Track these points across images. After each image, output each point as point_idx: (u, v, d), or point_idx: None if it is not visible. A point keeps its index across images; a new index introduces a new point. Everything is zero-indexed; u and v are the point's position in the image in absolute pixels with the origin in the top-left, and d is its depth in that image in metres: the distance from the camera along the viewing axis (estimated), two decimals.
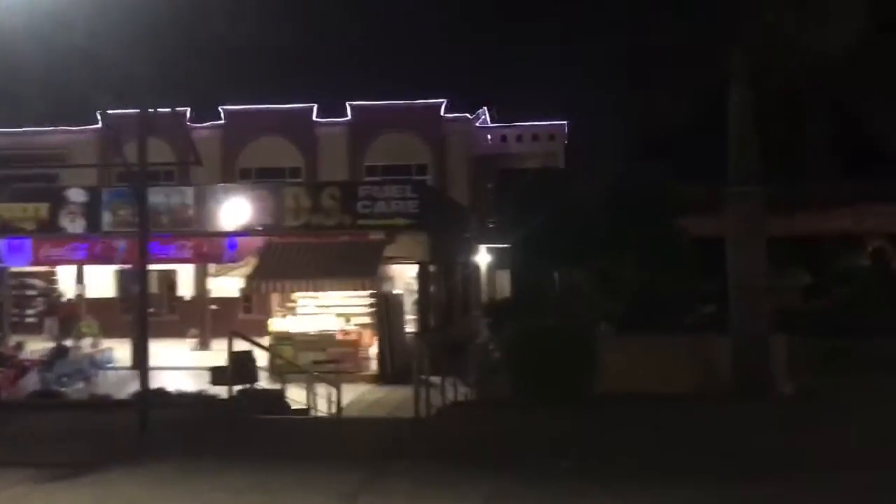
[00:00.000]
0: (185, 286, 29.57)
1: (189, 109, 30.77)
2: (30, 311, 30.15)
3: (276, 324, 20.57)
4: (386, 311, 19.95)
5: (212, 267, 23.60)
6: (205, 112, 31.74)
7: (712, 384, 11.18)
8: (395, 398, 16.49)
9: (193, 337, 25.78)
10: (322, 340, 19.63)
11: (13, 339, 22.18)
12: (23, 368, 17.65)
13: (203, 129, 31.30)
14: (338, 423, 10.32)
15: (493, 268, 34.13)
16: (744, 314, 10.95)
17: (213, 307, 27.00)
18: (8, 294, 26.24)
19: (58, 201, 21.99)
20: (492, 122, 33.85)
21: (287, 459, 7.48)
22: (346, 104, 31.42)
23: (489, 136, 33.47)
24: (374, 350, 19.76)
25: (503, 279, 34.53)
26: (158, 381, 18.67)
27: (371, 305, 20.22)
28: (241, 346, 11.49)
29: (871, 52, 12.11)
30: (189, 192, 21.88)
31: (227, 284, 23.31)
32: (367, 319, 20.23)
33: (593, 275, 20.39)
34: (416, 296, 22.14)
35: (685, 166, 19.00)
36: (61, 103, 29.30)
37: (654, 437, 8.21)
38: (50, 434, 8.92)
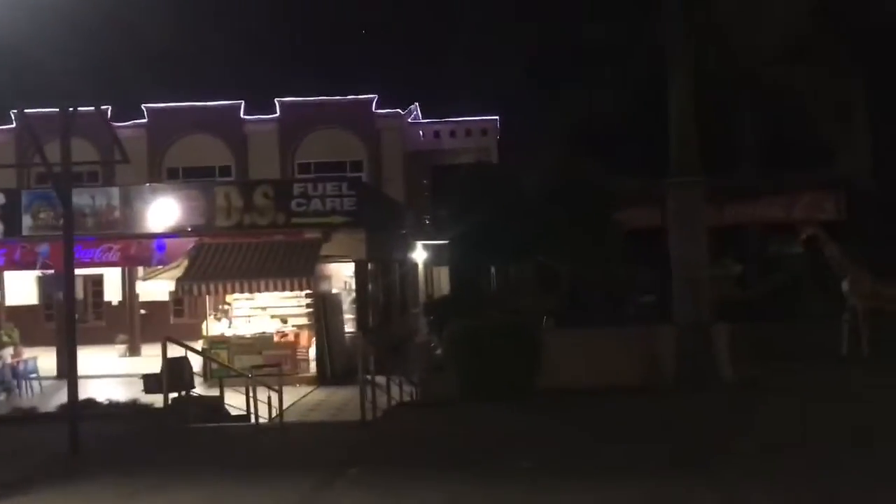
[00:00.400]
0: (113, 291, 28.63)
1: (110, 108, 29.76)
2: None
3: (211, 327, 19.95)
4: (324, 310, 19.53)
5: (140, 270, 22.79)
6: (127, 111, 30.67)
7: (657, 375, 11.21)
8: (336, 400, 16.15)
9: (122, 343, 24.89)
10: (258, 343, 19.11)
11: None
12: None
13: (126, 129, 30.11)
14: (281, 430, 9.94)
15: (430, 265, 33.97)
16: (687, 303, 11.01)
17: (143, 312, 26.16)
18: None
19: None
20: (423, 117, 33.63)
21: (231, 471, 7.13)
22: (275, 101, 30.72)
23: (422, 132, 33.23)
24: (312, 351, 19.33)
25: (441, 276, 34.43)
26: (87, 390, 17.89)
27: (308, 306, 19.77)
28: (175, 351, 11.03)
29: (805, 43, 12.35)
30: (115, 193, 21.03)
31: (157, 288, 22.47)
32: (305, 320, 19.77)
33: (531, 270, 20.45)
34: (353, 295, 21.78)
35: (619, 160, 19.18)
36: None
37: (605, 432, 8.14)
38: None
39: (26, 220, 20.68)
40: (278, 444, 8.63)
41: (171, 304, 27.80)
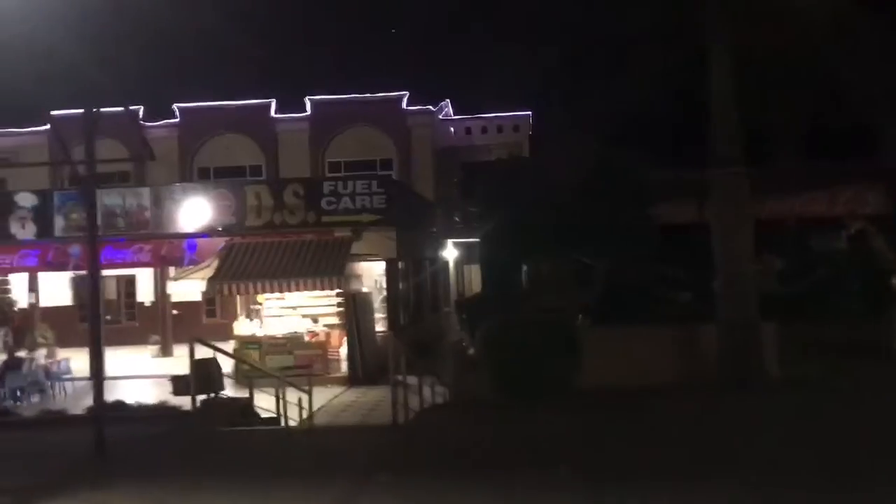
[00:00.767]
0: (145, 291, 28.71)
1: (142, 108, 29.86)
2: None
3: (242, 327, 19.83)
4: (354, 310, 19.31)
5: (172, 270, 22.77)
6: (159, 111, 30.78)
7: (700, 374, 10.77)
8: (367, 401, 15.90)
9: (155, 344, 24.88)
10: (290, 343, 18.95)
11: None
12: None
13: (158, 129, 30.27)
14: (311, 433, 9.67)
15: (461, 263, 33.64)
16: (732, 301, 10.55)
17: (175, 312, 26.16)
18: None
19: (6, 206, 20.99)
20: (453, 114, 33.29)
21: (258, 477, 6.86)
22: (306, 99, 30.59)
23: (452, 129, 32.91)
24: (343, 351, 19.12)
25: (472, 274, 34.07)
26: (118, 391, 17.91)
27: (339, 305, 19.57)
28: (205, 352, 10.84)
29: (850, 28, 11.81)
30: (146, 194, 21.01)
31: (189, 288, 22.46)
32: (336, 319, 19.57)
33: (565, 266, 19.99)
34: (384, 294, 21.54)
35: (653, 153, 18.65)
36: (10, 106, 28.27)
37: (650, 436, 7.73)
38: None
39: (59, 222, 20.74)
40: (307, 449, 8.35)
41: (203, 305, 27.79)
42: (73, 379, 19.16)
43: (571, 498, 5.88)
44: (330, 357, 18.98)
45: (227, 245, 19.69)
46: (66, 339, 22.24)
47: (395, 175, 28.91)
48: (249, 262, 18.99)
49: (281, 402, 11.81)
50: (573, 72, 19.14)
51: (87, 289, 21.36)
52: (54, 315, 25.05)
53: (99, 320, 8.14)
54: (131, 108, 27.75)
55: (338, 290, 18.86)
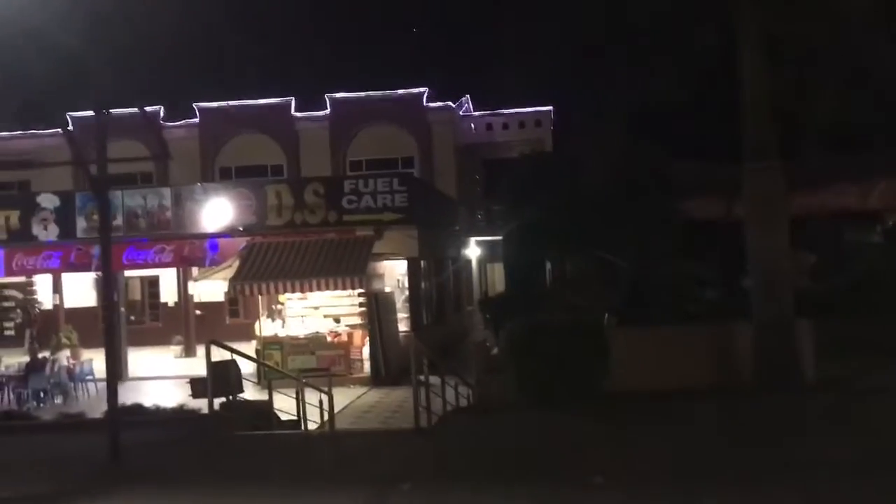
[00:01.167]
0: (169, 292, 28.72)
1: (162, 108, 29.86)
2: (8, 324, 29.09)
3: (264, 328, 19.68)
4: (377, 310, 19.09)
5: (194, 271, 22.69)
6: (180, 111, 30.73)
7: (734, 376, 10.38)
8: (391, 401, 15.66)
9: (178, 344, 24.88)
10: (312, 343, 18.77)
11: None
12: None
13: (178, 129, 30.22)
14: (332, 438, 9.42)
15: (483, 261, 33.34)
16: (767, 299, 10.15)
17: (199, 312, 26.13)
18: None
19: (29, 208, 21.02)
20: (474, 110, 32.92)
21: (277, 485, 6.61)
22: (326, 97, 30.40)
23: (473, 125, 32.55)
24: (366, 351, 18.90)
25: (495, 273, 33.76)
26: (140, 392, 17.88)
27: (361, 305, 19.36)
28: (224, 354, 10.62)
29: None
30: (167, 194, 20.93)
31: (212, 288, 22.41)
32: (358, 319, 19.37)
33: (590, 264, 19.60)
34: (406, 293, 21.31)
35: (680, 146, 18.20)
36: (33, 107, 28.38)
37: (685, 441, 7.37)
38: (11, 462, 8.02)
39: (80, 223, 20.72)
40: (328, 455, 8.10)
41: (226, 305, 27.77)
42: (96, 380, 19.11)
43: None
44: (352, 357, 18.78)
45: (248, 245, 19.55)
46: (91, 341, 22.19)
47: (417, 173, 28.62)
48: (270, 261, 18.84)
49: (301, 403, 11.58)
50: (597, 64, 18.74)
51: (114, 290, 21.52)
52: (78, 316, 25.09)
53: (113, 322, 7.94)
54: (149, 108, 27.91)
55: (360, 290, 18.65)
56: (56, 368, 18.33)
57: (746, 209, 10.65)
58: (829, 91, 13.87)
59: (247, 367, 13.45)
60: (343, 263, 18.21)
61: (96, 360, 20.03)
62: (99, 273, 23.39)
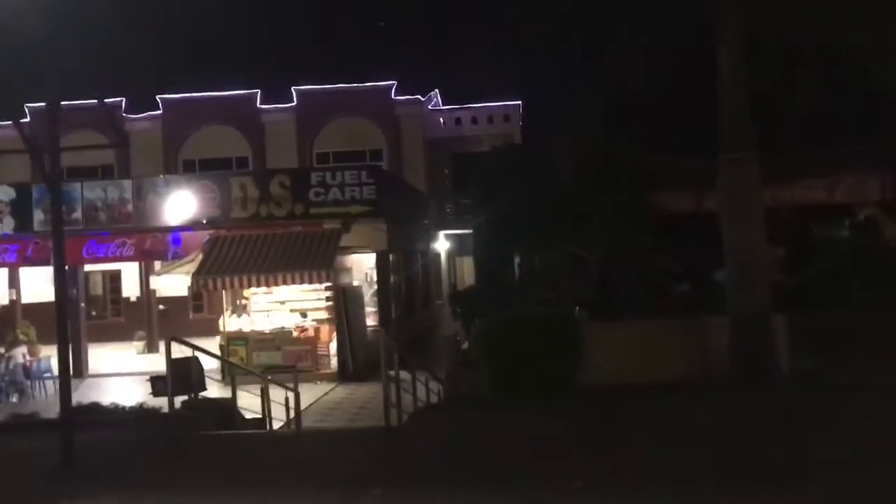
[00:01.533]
0: (131, 286, 28.10)
1: (124, 100, 29.20)
2: None
3: (229, 323, 19.22)
4: (344, 304, 18.73)
5: (157, 265, 22.14)
6: (144, 103, 30.03)
7: (708, 370, 10.24)
8: (358, 397, 15.35)
9: (140, 340, 24.32)
10: (278, 339, 18.35)
11: None
12: None
13: (141, 121, 29.56)
14: (298, 438, 9.05)
15: (453, 255, 33.12)
16: (742, 292, 10.00)
17: (162, 307, 25.58)
18: None
19: None
20: (443, 104, 32.64)
21: (239, 490, 6.27)
22: (292, 89, 29.89)
23: (442, 119, 32.27)
24: (333, 346, 18.54)
25: (464, 266, 33.57)
26: (100, 389, 17.38)
27: (328, 299, 18.98)
28: (186, 351, 10.23)
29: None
30: (128, 186, 20.37)
31: (175, 283, 21.85)
32: (325, 314, 18.99)
33: (559, 258, 19.42)
34: (375, 287, 20.98)
35: (651, 140, 18.08)
36: None
37: (664, 438, 7.16)
38: None
39: (38, 215, 20.10)
40: (294, 456, 7.75)
41: (190, 300, 27.24)
42: (54, 378, 18.53)
43: None
44: (319, 353, 18.40)
45: (211, 238, 19.09)
46: (49, 337, 21.33)
47: (386, 166, 28.26)
48: (235, 255, 18.39)
49: (266, 400, 11.21)
50: (566, 56, 18.55)
51: (74, 285, 20.89)
52: (36, 312, 24.33)
53: (65, 319, 7.54)
54: (111, 100, 27.27)
55: (327, 284, 18.28)
56: (11, 366, 17.74)
57: (722, 201, 10.50)
58: (802, 83, 13.85)
59: (211, 364, 13.05)
60: (310, 257, 17.84)
61: (55, 357, 19.46)
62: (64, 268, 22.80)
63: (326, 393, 16.16)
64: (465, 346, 14.73)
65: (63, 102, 8.77)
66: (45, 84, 9.25)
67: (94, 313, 27.42)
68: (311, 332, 18.51)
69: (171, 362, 9.39)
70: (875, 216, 12.48)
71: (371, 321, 20.27)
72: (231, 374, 12.88)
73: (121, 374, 20.08)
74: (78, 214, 20.02)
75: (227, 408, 10.41)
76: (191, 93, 30.01)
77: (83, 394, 15.55)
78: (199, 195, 19.38)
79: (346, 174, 19.00)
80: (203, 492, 6.29)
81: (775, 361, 9.93)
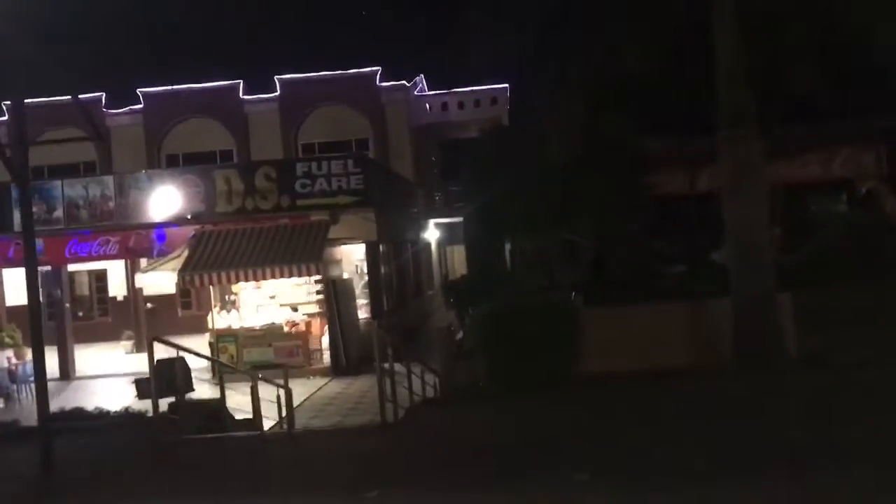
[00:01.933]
0: (117, 285, 27.61)
1: (104, 95, 28.64)
2: None
3: (217, 319, 18.81)
4: (335, 297, 18.34)
5: (142, 262, 21.67)
6: (124, 98, 29.44)
7: (712, 353, 9.94)
8: (353, 392, 15.00)
9: (128, 339, 23.86)
10: (268, 334, 17.96)
11: None
12: None
13: (122, 116, 29.00)
14: (290, 440, 8.66)
15: (443, 244, 32.75)
16: (746, 272, 9.69)
17: (150, 306, 25.12)
18: None
19: None
20: (429, 89, 32.16)
21: (228, 497, 5.92)
22: (275, 78, 29.35)
23: (428, 105, 31.78)
24: (325, 340, 18.17)
25: (455, 255, 33.21)
26: (87, 391, 16.96)
27: (319, 292, 18.59)
28: (171, 351, 9.85)
29: None
30: (109, 182, 19.85)
31: (160, 280, 21.40)
32: (316, 308, 18.61)
33: (551, 243, 19.09)
34: (366, 279, 20.60)
35: (645, 120, 17.74)
36: None
37: (673, 428, 6.83)
38: None
39: (18, 216, 19.55)
40: (286, 459, 7.40)
41: (178, 297, 26.77)
42: None
43: None
44: (311, 347, 18.03)
45: (197, 233, 18.66)
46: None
47: (372, 155, 27.80)
48: (221, 250, 17.98)
49: (257, 399, 10.82)
50: (554, 33, 18.15)
51: (58, 286, 20.39)
52: (22, 314, 23.82)
53: (40, 321, 7.16)
54: (91, 94, 26.72)
55: (317, 277, 17.89)
56: None
57: (723, 179, 10.18)
58: (799, 58, 13.50)
59: (201, 363, 12.66)
60: (298, 250, 17.44)
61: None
62: (42, 268, 22.33)
63: (320, 388, 15.81)
64: (460, 336, 14.41)
65: (42, 99, 8.38)
66: (10, 81, 8.86)
67: (80, 314, 26.95)
68: (302, 327, 18.14)
69: (156, 364, 9.02)
70: (876, 188, 12.16)
71: (363, 313, 19.91)
72: (220, 372, 12.51)
73: (109, 376, 19.64)
74: (59, 213, 19.53)
75: (216, 409, 10.03)
76: (172, 85, 29.43)
77: (69, 397, 15.16)
78: (183, 190, 18.93)
79: (332, 164, 18.56)
80: (188, 499, 5.94)
81: (782, 342, 9.64)
